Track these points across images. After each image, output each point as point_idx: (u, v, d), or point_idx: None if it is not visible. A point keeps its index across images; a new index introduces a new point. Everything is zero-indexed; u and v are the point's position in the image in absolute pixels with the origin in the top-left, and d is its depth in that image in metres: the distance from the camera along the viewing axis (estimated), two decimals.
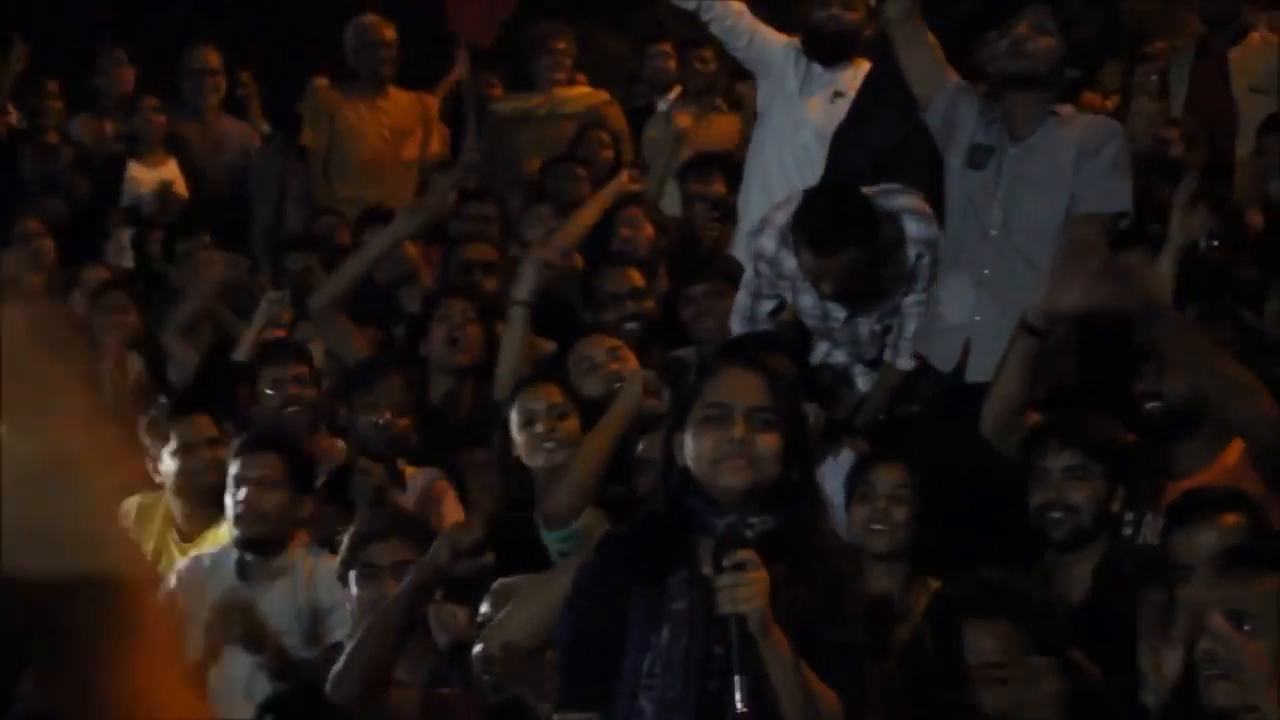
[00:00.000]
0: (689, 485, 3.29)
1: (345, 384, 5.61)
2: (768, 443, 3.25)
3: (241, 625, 4.57)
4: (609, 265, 6.27)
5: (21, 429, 0.99)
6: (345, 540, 4.61)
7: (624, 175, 6.65)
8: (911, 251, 5.26)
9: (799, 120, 6.21)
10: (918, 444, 4.90)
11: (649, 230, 6.79)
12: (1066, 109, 5.18)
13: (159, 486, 5.41)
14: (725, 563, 3.10)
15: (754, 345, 4.88)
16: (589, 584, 3.38)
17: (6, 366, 0.99)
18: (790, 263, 5.31)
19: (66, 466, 1.00)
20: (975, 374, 4.98)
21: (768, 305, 5.54)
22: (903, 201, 5.28)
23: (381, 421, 5.36)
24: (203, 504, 5.29)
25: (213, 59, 8.68)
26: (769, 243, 5.40)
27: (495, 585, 4.25)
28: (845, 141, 5.83)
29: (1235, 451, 4.43)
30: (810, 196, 5.20)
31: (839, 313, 5.38)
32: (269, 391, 5.65)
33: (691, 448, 3.28)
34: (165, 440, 5.33)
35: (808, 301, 5.39)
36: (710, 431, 3.26)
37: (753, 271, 5.53)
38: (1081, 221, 5.01)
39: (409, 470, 5.39)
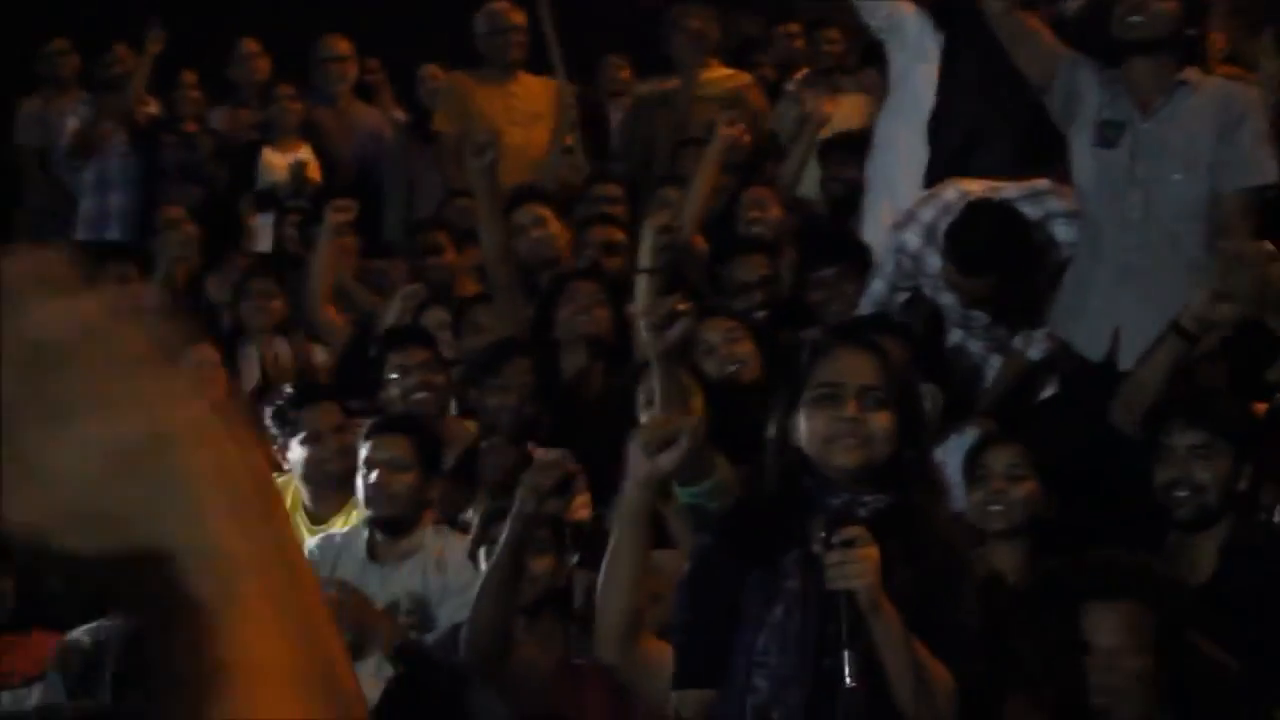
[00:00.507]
0: (803, 465, 3.34)
1: (473, 366, 5.68)
2: (880, 421, 3.28)
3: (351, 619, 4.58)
4: (739, 253, 6.28)
5: (112, 408, 0.97)
6: (475, 520, 4.70)
7: (720, 128, 6.46)
8: (1063, 255, 5.22)
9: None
10: (1048, 425, 4.95)
11: (776, 211, 6.80)
12: (1194, 74, 5.06)
13: (286, 471, 5.53)
14: (834, 539, 3.13)
15: (867, 326, 4.88)
16: (704, 564, 3.44)
17: (88, 345, 0.97)
18: (935, 261, 5.29)
19: (163, 443, 0.97)
20: (1128, 363, 4.89)
21: (903, 297, 5.51)
22: (1051, 205, 5.24)
23: (509, 404, 5.44)
24: (331, 488, 5.41)
25: (343, 46, 8.83)
26: (914, 239, 5.37)
27: None
28: (932, 138, 5.77)
29: None
30: (970, 211, 5.15)
31: (983, 319, 5.36)
32: (394, 377, 5.72)
33: (804, 427, 3.33)
34: (293, 428, 5.46)
35: (949, 301, 5.37)
36: (822, 411, 3.30)
37: (893, 264, 5.48)
38: (1230, 199, 4.94)
39: (538, 452, 5.25)
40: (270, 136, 8.58)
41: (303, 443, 5.43)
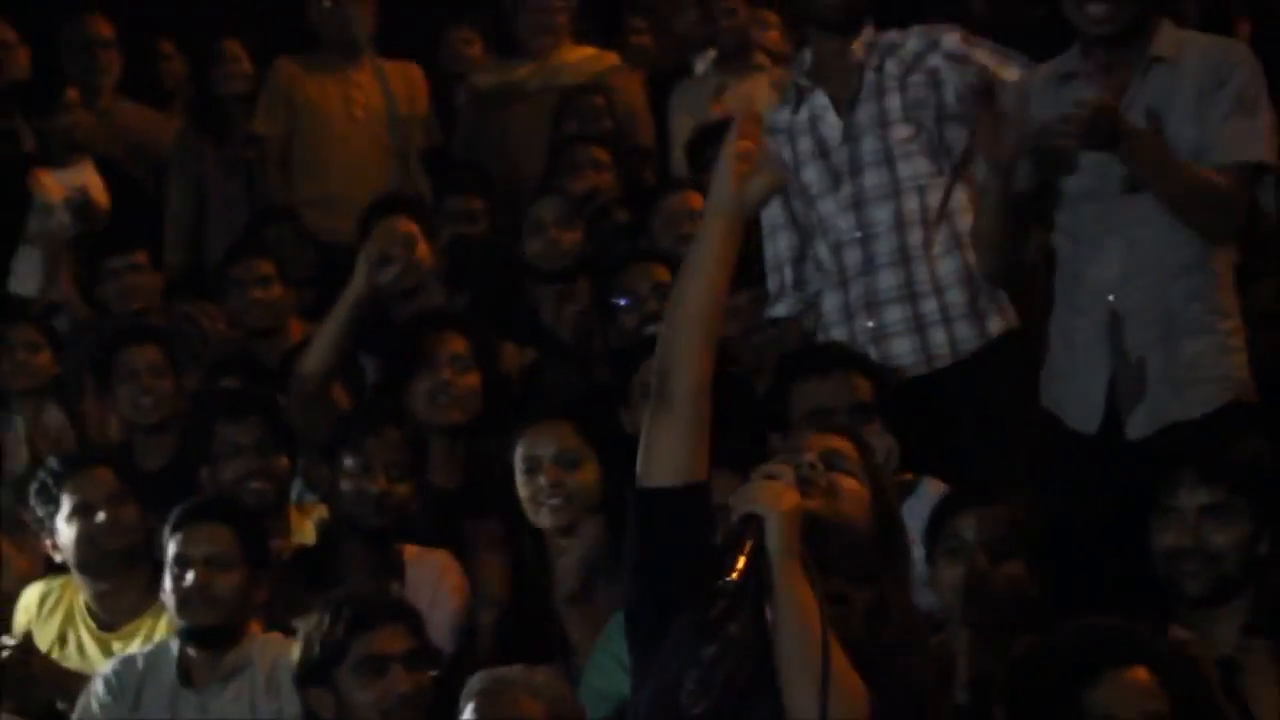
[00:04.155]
0: None
1: (332, 438, 5.55)
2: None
3: None
4: (633, 261, 6.36)
5: None
6: (313, 633, 4.65)
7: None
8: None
9: None
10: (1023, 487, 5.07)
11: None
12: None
13: (62, 567, 5.55)
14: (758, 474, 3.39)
15: (836, 355, 5.29)
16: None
17: None
18: (784, 114, 5.66)
19: None
20: (1136, 430, 4.94)
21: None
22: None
23: (374, 489, 5.34)
24: (113, 577, 5.42)
25: (104, 29, 8.61)
26: (782, 114, 5.71)
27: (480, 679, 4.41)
28: None
29: None
30: None
31: (834, 129, 5.59)
32: (225, 460, 5.67)
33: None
34: (58, 505, 5.47)
35: (806, 146, 5.62)
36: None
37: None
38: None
39: (410, 551, 5.40)
40: (48, 156, 8.18)
41: (69, 519, 5.43)
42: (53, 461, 5.66)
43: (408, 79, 8.30)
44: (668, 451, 3.47)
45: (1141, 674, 3.88)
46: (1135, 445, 4.89)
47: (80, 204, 7.84)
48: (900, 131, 5.53)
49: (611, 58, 8.32)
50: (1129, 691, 3.87)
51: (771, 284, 5.79)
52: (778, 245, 5.75)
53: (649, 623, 3.46)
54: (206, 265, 8.01)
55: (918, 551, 4.54)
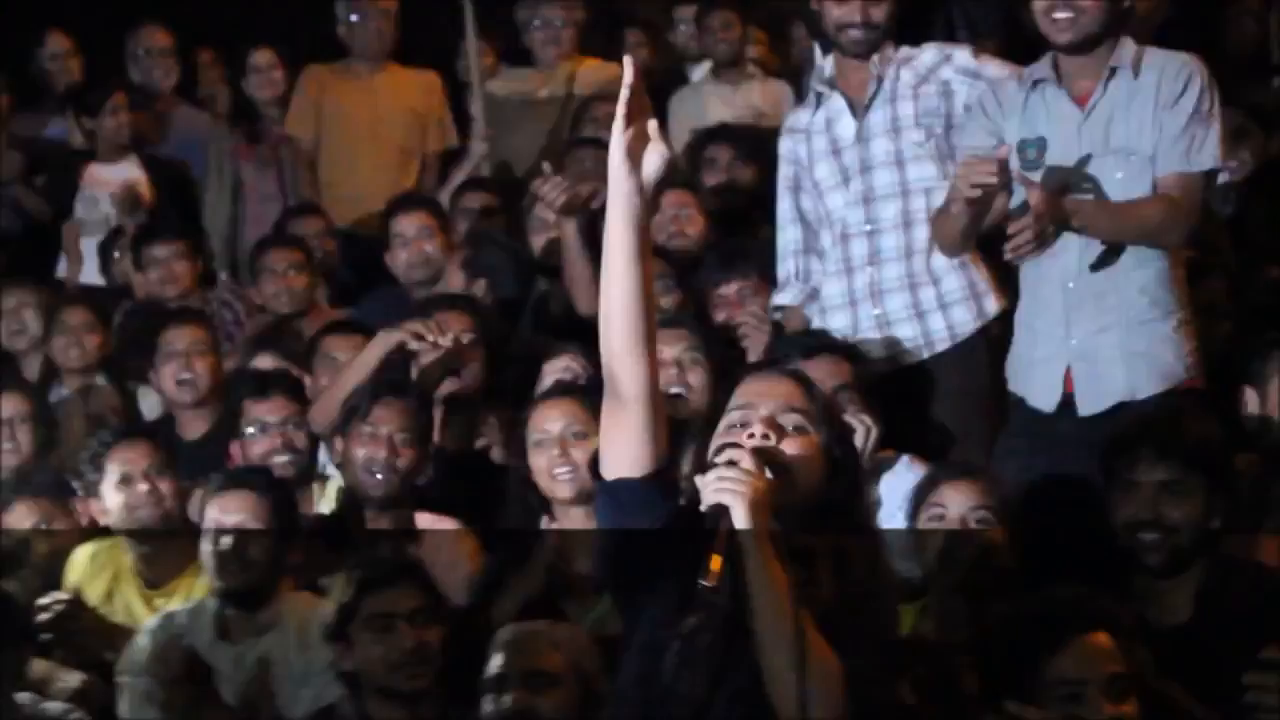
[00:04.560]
0: None
1: (344, 412, 5.77)
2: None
3: None
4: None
5: None
6: (338, 593, 4.92)
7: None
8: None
9: None
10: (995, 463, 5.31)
11: (700, 223, 7.03)
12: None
13: (109, 530, 5.77)
14: (719, 459, 3.34)
15: (821, 340, 5.53)
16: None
17: None
18: (804, 116, 6.01)
19: None
20: (1087, 406, 5.22)
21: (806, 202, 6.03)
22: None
23: (383, 456, 5.57)
24: (155, 540, 5.65)
25: (163, 39, 9.04)
26: (800, 143, 6.01)
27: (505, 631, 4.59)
28: None
29: None
30: None
31: (848, 130, 5.87)
32: (251, 431, 5.98)
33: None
34: (103, 474, 5.70)
35: (821, 144, 5.94)
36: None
37: (789, 171, 6.07)
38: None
39: (424, 516, 5.63)
40: (96, 150, 8.57)
41: (114, 487, 5.66)
42: (102, 433, 5.93)
43: (427, 86, 8.55)
44: (625, 446, 3.43)
45: (1103, 639, 4.03)
46: (1089, 425, 5.12)
47: (125, 197, 8.21)
48: (912, 136, 5.79)
49: (615, 68, 8.36)
50: (1092, 655, 4.01)
51: (779, 274, 6.04)
52: (785, 238, 6.02)
53: (626, 599, 3.50)
54: (241, 254, 8.30)
55: (900, 521, 4.85)
